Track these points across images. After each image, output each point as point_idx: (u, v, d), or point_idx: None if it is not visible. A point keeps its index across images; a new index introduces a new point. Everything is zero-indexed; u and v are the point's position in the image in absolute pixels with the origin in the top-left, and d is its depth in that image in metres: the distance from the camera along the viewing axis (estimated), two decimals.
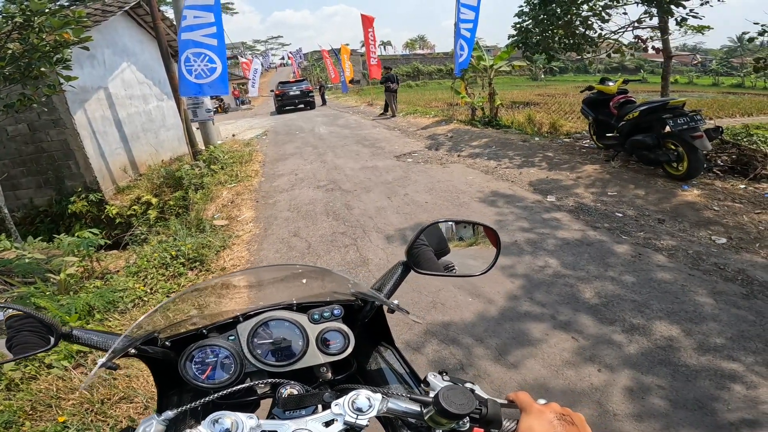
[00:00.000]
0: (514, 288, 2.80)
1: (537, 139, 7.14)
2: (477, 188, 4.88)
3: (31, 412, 2.00)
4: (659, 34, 6.47)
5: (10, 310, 0.70)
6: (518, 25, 7.67)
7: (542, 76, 37.30)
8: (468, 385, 0.58)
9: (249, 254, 3.76)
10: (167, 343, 0.75)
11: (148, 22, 8.34)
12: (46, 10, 4.33)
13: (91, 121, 6.87)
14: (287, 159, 7.65)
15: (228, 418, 0.53)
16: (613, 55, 7.53)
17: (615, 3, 6.71)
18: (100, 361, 0.63)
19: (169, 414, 0.58)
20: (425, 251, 0.87)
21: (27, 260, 3.41)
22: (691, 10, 5.88)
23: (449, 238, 0.90)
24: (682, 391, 1.88)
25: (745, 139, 5.17)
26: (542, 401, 0.57)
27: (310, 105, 19.46)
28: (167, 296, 3.04)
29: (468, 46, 7.96)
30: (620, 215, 3.80)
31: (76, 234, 4.20)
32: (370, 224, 4.08)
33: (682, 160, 4.36)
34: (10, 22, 4.29)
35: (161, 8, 7.96)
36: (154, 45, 8.49)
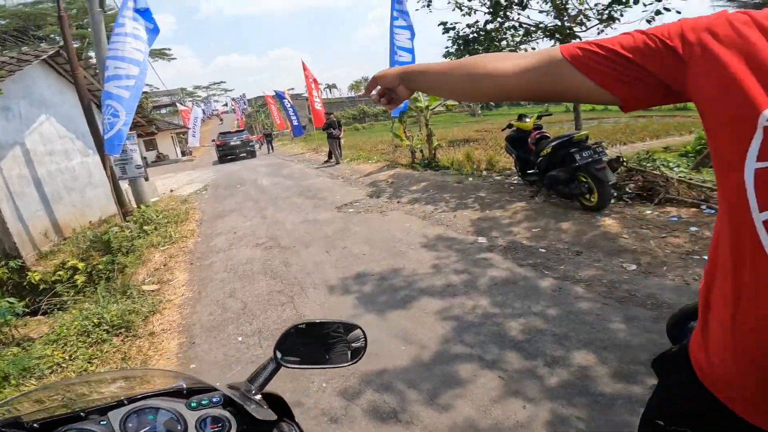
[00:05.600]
0: (445, 331, 2.88)
1: (470, 179, 7.53)
2: (414, 235, 5.02)
3: None
4: None
5: None
6: None
7: (479, 111, 38.49)
8: None
9: (181, 318, 3.70)
10: (35, 425, 0.72)
11: (69, 71, 7.93)
12: None
13: (6, 180, 6.43)
14: (226, 216, 7.53)
15: None
16: None
17: (529, 38, 7.46)
18: None
19: None
20: (294, 346, 0.92)
21: None
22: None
23: (319, 333, 0.96)
24: (600, 420, 1.98)
25: (648, 165, 5.48)
26: None
27: (252, 154, 21.06)
28: (88, 362, 3.02)
29: None
30: (543, 250, 4.06)
31: None
32: (308, 280, 4.08)
33: (593, 192, 4.68)
34: None
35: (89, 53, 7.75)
36: (77, 95, 8.23)
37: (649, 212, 4.57)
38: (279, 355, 0.90)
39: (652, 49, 0.67)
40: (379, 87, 1.00)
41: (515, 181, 6.81)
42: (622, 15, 6.64)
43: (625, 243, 3.97)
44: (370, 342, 2.86)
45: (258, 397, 0.82)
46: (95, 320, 3.49)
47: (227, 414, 0.78)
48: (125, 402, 0.77)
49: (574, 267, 3.62)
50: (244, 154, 20.63)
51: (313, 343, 0.95)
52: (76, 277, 5.92)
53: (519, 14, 7.38)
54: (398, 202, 6.74)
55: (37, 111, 7.58)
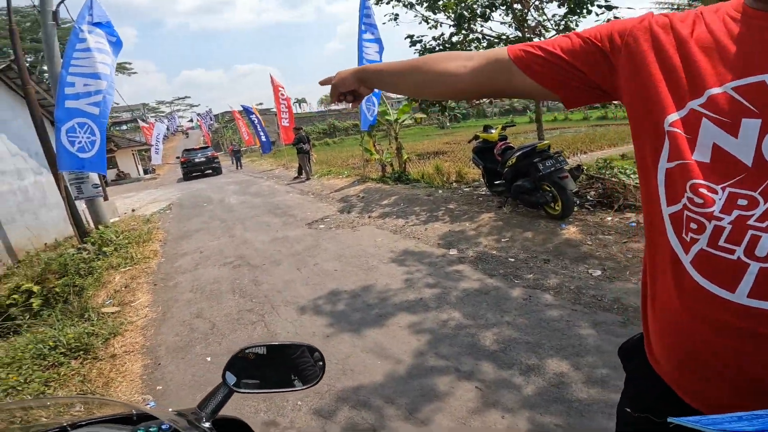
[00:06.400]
0: (420, 345, 2.86)
1: (440, 191, 7.62)
2: (385, 250, 5.00)
3: None
4: None
5: None
6: None
7: (448, 123, 38.85)
8: None
9: (145, 339, 3.59)
10: None
11: (21, 86, 7.48)
12: None
13: None
14: (192, 236, 7.27)
15: None
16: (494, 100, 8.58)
17: None
18: None
19: None
20: (247, 368, 0.88)
21: None
22: None
23: (274, 355, 0.92)
24: (578, 427, 1.99)
25: (607, 173, 5.65)
26: None
27: (217, 171, 20.64)
28: (45, 385, 2.94)
29: (376, 101, 8.37)
30: (512, 260, 4.13)
31: None
32: (279, 298, 3.98)
33: (557, 201, 4.82)
34: None
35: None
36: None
37: (609, 218, 4.75)
38: (230, 378, 0.85)
39: (586, 52, 0.70)
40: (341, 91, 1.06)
41: (483, 192, 6.93)
42: (577, 25, 7.00)
43: (589, 249, 4.11)
44: (345, 357, 2.86)
45: (207, 424, 0.77)
46: (51, 343, 3.42)
47: None
48: (68, 429, 0.73)
49: (542, 275, 3.70)
50: (210, 171, 20.42)
51: (268, 365, 0.90)
52: (32, 300, 5.63)
53: (482, 26, 7.68)
54: (369, 217, 6.72)
55: None
